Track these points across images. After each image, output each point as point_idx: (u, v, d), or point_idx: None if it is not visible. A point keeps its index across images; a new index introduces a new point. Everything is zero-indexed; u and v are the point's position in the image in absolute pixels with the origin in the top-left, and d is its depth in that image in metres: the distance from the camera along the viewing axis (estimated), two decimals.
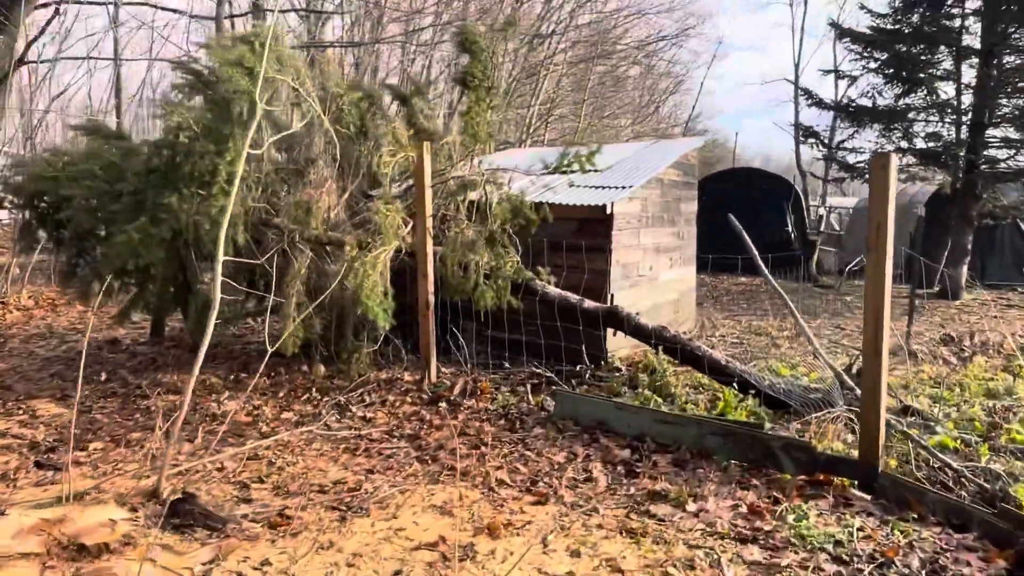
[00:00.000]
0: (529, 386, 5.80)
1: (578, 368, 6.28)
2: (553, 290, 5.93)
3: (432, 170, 6.05)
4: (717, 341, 8.06)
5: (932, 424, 4.72)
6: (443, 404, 5.40)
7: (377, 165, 4.93)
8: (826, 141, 15.73)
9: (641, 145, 9.09)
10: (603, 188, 6.92)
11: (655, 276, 7.59)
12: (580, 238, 6.66)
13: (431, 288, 5.65)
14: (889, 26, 13.24)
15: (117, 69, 15.37)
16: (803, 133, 14.88)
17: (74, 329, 8.28)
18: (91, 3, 12.24)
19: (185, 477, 3.96)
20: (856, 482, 3.86)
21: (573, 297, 5.90)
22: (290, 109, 5.78)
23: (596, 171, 7.48)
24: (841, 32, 13.78)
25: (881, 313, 3.65)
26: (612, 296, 6.66)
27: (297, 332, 5.36)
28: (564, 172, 7.37)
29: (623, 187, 6.84)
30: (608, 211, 6.42)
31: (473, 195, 6.16)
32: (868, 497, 3.72)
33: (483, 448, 4.49)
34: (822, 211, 27.86)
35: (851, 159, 13.86)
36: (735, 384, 5.39)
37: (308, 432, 4.85)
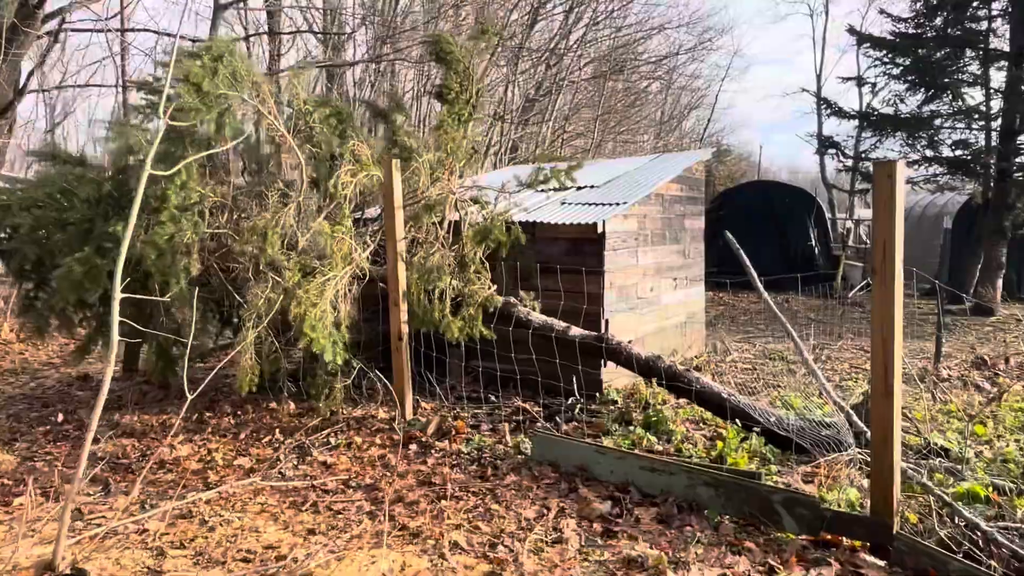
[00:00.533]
0: (511, 424, 5.30)
1: (569, 402, 5.77)
2: (537, 317, 5.44)
3: (408, 190, 5.62)
4: (727, 368, 7.48)
5: (959, 469, 4.13)
6: (414, 446, 4.91)
7: (334, 185, 4.50)
8: (848, 152, 15.08)
9: (643, 159, 8.59)
10: (597, 205, 6.43)
11: (657, 298, 7.05)
12: (572, 259, 6.17)
13: (404, 317, 5.18)
14: (911, 31, 12.63)
15: (124, 94, 15.25)
16: (823, 144, 14.26)
17: (50, 364, 7.95)
18: (89, 31, 12.08)
19: (98, 542, 3.51)
20: (868, 544, 3.29)
21: (558, 324, 5.39)
22: (254, 129, 5.38)
23: (592, 187, 7.01)
24: (861, 38, 13.20)
25: (891, 346, 3.10)
26: (607, 322, 6.14)
27: (261, 367, 4.92)
28: (540, 189, 6.91)
29: (617, 203, 6.34)
30: (599, 230, 5.92)
31: (455, 216, 5.70)
32: (882, 564, 3.15)
33: (446, 501, 3.99)
34: (849, 224, 27.06)
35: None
36: (739, 420, 4.85)
37: (263, 481, 4.39)
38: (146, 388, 6.71)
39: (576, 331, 5.35)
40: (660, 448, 4.82)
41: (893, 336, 3.10)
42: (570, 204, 6.63)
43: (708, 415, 5.28)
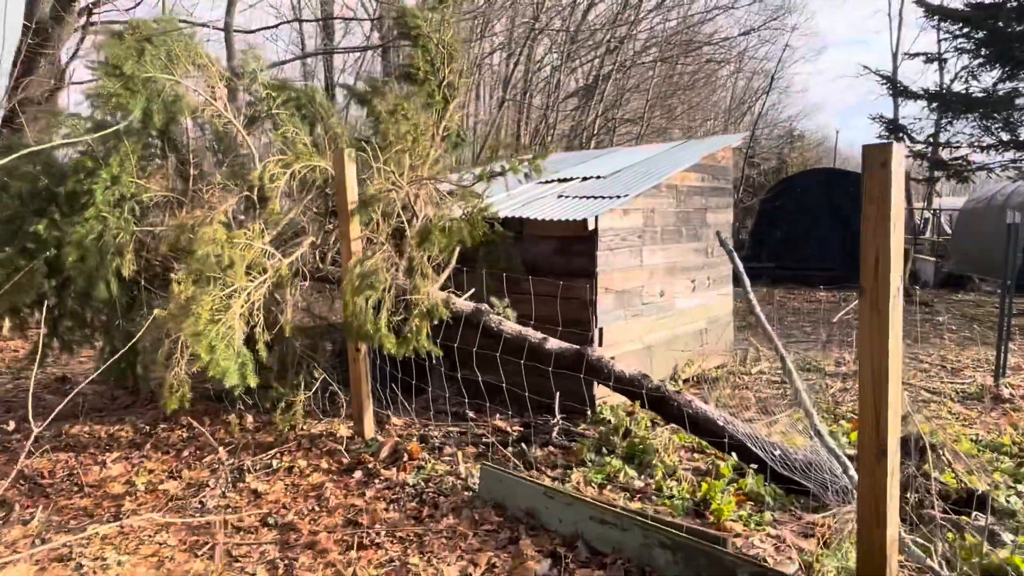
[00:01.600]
0: (480, 448, 4.67)
1: (554, 421, 5.10)
2: (510, 326, 4.78)
3: (388, 184, 5.02)
4: (752, 381, 6.66)
5: (999, 530, 3.29)
6: (359, 473, 4.35)
7: (259, 178, 3.95)
8: (918, 136, 13.76)
9: (664, 147, 7.79)
10: (594, 198, 5.71)
11: (669, 303, 6.29)
12: (561, 260, 5.48)
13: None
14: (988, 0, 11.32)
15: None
16: (889, 128, 13.02)
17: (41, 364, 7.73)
18: (118, 22, 11.95)
19: None
20: None
21: (533, 335, 4.72)
22: (203, 116, 4.88)
23: (598, 178, 6.29)
24: (930, 9, 11.93)
25: (884, 392, 2.34)
26: (600, 331, 5.43)
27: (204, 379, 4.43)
28: (543, 180, 6.24)
29: (614, 197, 5.60)
30: (590, 227, 5.21)
31: (429, 212, 5.09)
32: None
33: (363, 551, 3.40)
34: (928, 214, 25.20)
35: (946, 155, 11.96)
36: (738, 453, 4.12)
37: (169, 517, 3.91)
38: (117, 393, 6.37)
39: (553, 343, 4.67)
40: (639, 484, 4.12)
41: (887, 378, 2.33)
42: (567, 198, 5.93)
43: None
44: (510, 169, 4.91)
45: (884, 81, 12.05)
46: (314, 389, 5.12)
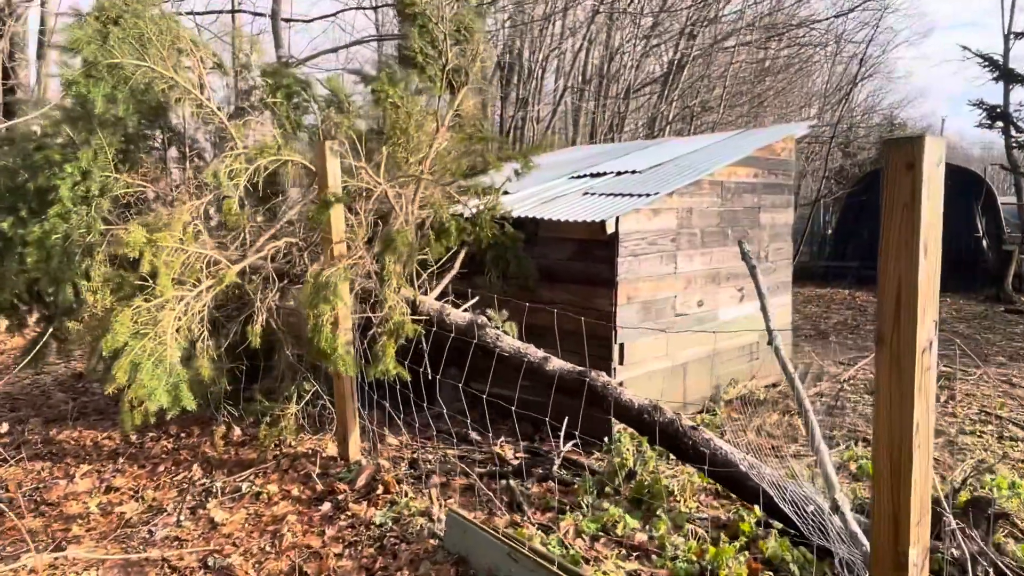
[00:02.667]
0: (468, 479, 4.14)
1: (563, 448, 4.51)
2: (509, 342, 4.21)
3: (353, 185, 4.53)
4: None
5: None
6: (327, 505, 3.89)
7: (213, 175, 3.52)
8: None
9: (717, 137, 7.01)
10: (620, 196, 5.06)
11: (709, 314, 5.57)
12: (580, 265, 4.87)
13: (348, 337, 4.13)
14: None
15: None
16: (989, 116, 11.67)
17: (65, 359, 7.67)
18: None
19: None
20: None
21: (534, 354, 4.14)
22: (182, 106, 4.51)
23: (633, 173, 5.64)
24: None
25: (905, 488, 1.67)
26: (621, 347, 4.79)
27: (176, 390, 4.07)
28: (573, 175, 5.65)
29: (641, 195, 4.94)
30: (610, 229, 4.57)
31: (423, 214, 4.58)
32: None
33: None
34: None
35: None
36: (765, 503, 3.44)
37: (125, 541, 3.56)
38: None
39: (556, 364, 4.07)
40: (641, 538, 3.49)
41: (910, 466, 1.66)
42: (593, 195, 5.30)
43: None
44: (491, 167, 4.33)
45: (987, 64, 10.74)
46: (304, 401, 4.70)
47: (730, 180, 5.65)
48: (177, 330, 3.21)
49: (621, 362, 4.81)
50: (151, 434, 5.10)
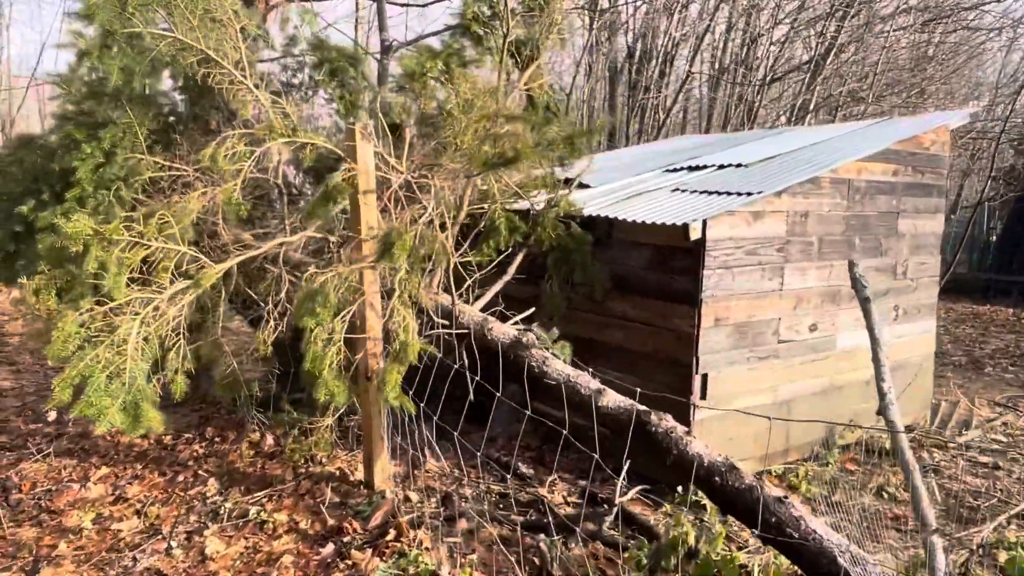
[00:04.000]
0: (500, 528, 3.47)
1: (624, 494, 3.76)
2: (558, 367, 3.48)
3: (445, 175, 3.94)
4: (951, 457, 4.75)
5: None
6: (329, 548, 3.33)
7: (211, 158, 3.01)
8: None
9: (849, 127, 5.90)
10: (717, 195, 4.20)
11: (825, 341, 4.59)
12: (657, 276, 4.07)
13: (376, 348, 3.57)
14: None
15: None
16: None
17: None
18: None
19: None
20: None
21: (586, 384, 3.39)
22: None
23: (739, 167, 4.76)
24: None
25: None
26: (704, 378, 3.95)
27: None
28: (671, 168, 4.86)
29: (741, 194, 4.05)
30: (694, 235, 3.74)
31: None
32: None
33: None
34: None
35: None
36: None
37: (105, 568, 3.17)
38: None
39: (611, 399, 3.31)
40: None
41: None
42: (683, 192, 4.45)
43: None
44: (568, 156, 3.59)
45: None
46: (339, 413, 4.19)
47: (860, 178, 4.61)
48: (145, 339, 2.74)
49: (703, 396, 3.96)
50: (186, 435, 4.78)
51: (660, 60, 16.60)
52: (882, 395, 2.88)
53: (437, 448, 4.25)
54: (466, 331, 3.71)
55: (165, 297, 2.77)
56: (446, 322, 3.75)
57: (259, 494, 3.89)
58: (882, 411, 2.77)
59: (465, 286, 3.91)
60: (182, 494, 3.96)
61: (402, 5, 11.16)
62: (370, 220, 3.52)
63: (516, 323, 3.96)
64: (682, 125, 20.63)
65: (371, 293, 3.46)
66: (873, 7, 17.80)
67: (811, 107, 17.67)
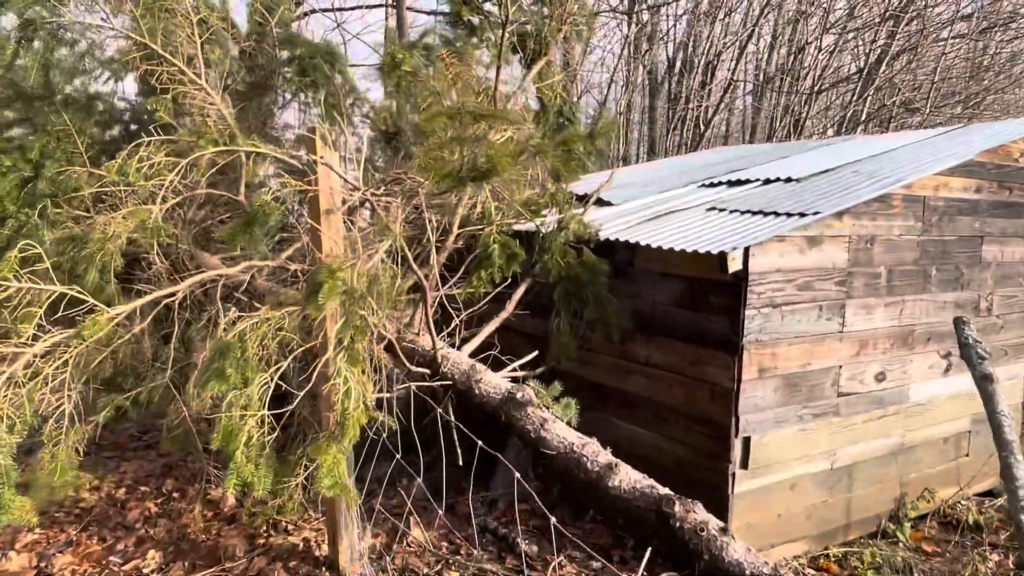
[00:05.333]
0: None
1: None
2: (560, 433, 2.77)
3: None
4: None
5: None
6: None
7: (120, 170, 2.38)
8: None
9: (917, 135, 5.08)
10: (763, 215, 3.45)
11: (895, 392, 3.78)
12: (688, 314, 3.33)
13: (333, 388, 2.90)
14: None
15: None
16: None
17: None
18: None
19: None
20: None
21: (594, 456, 2.67)
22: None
23: (789, 181, 4.02)
24: None
25: None
26: (746, 442, 3.19)
27: None
28: (708, 183, 4.21)
29: (792, 215, 3.30)
30: (734, 267, 3.00)
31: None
32: None
33: None
34: None
35: None
36: None
37: None
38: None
39: (625, 476, 2.57)
40: None
41: None
42: (721, 212, 3.71)
43: None
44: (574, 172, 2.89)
45: None
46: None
47: (937, 196, 3.81)
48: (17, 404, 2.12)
49: (744, 465, 3.20)
50: (143, 487, 4.17)
51: (702, 70, 15.82)
52: (1010, 479, 2.09)
53: (425, 513, 3.58)
54: (451, 382, 3.02)
55: (37, 350, 2.15)
56: (426, 371, 3.07)
57: (200, 574, 3.24)
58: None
59: (452, 325, 3.22)
60: (116, 570, 3.33)
61: (428, 13, 10.59)
62: (334, 248, 2.86)
63: (515, 369, 3.26)
64: (725, 138, 19.72)
65: (329, 327, 2.79)
66: (927, 14, 16.78)
67: (862, 118, 16.70)
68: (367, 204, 2.72)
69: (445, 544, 3.59)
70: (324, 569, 3.25)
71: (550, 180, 3.49)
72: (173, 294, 2.42)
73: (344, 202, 2.62)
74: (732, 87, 14.86)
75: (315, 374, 2.39)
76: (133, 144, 2.48)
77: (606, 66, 16.47)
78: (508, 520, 3.84)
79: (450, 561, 3.39)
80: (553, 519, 2.68)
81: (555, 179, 3.11)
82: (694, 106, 14.97)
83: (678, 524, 2.38)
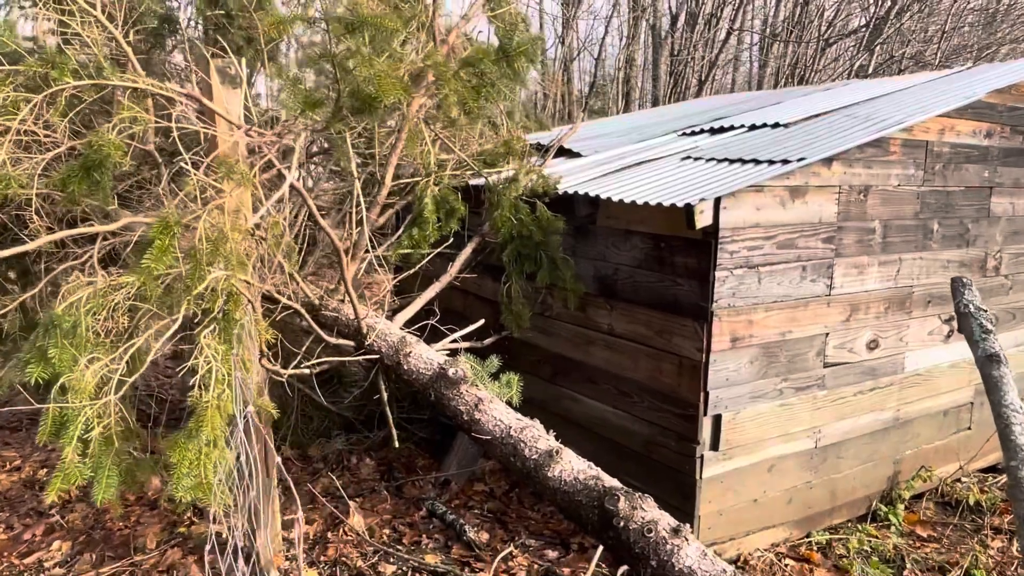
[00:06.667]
0: None
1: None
2: (497, 414, 2.38)
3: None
4: None
5: None
6: None
7: None
8: None
9: (921, 77, 4.61)
10: (741, 163, 3.03)
11: (889, 362, 3.39)
12: (654, 275, 2.93)
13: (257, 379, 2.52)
14: None
15: None
16: None
17: None
18: None
19: None
20: None
21: (532, 439, 2.29)
22: None
23: (777, 127, 3.59)
24: None
25: None
26: (716, 420, 2.82)
27: None
28: (686, 131, 3.83)
29: (774, 162, 2.88)
30: (701, 221, 2.60)
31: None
32: None
33: None
34: None
35: None
36: None
37: None
38: None
39: (568, 467, 2.20)
40: None
41: None
42: (697, 160, 3.28)
43: None
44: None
45: None
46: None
47: (942, 141, 3.37)
48: None
49: (715, 446, 2.83)
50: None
51: (706, 23, 15.17)
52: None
53: (371, 497, 3.25)
54: (377, 355, 2.64)
55: None
56: (350, 343, 2.69)
57: (108, 568, 2.91)
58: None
59: (384, 292, 2.83)
60: (18, 562, 3.01)
61: None
62: (242, 200, 2.46)
63: (455, 341, 2.88)
64: (730, 92, 19.07)
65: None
66: None
67: (870, 71, 16.05)
68: (258, 149, 2.31)
69: (388, 532, 3.25)
70: (243, 562, 2.91)
71: (506, 126, 3.06)
72: (26, 253, 2.03)
73: (253, 151, 2.20)
74: (731, 34, 14.20)
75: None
76: None
77: (603, 18, 15.81)
78: (460, 504, 3.50)
79: (389, 552, 3.06)
80: None
81: (464, 112, 2.66)
82: (694, 57, 14.36)
83: (622, 524, 2.02)
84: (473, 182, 3.36)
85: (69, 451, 1.69)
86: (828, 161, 2.93)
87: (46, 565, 2.97)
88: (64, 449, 1.70)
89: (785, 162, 2.85)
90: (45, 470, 3.81)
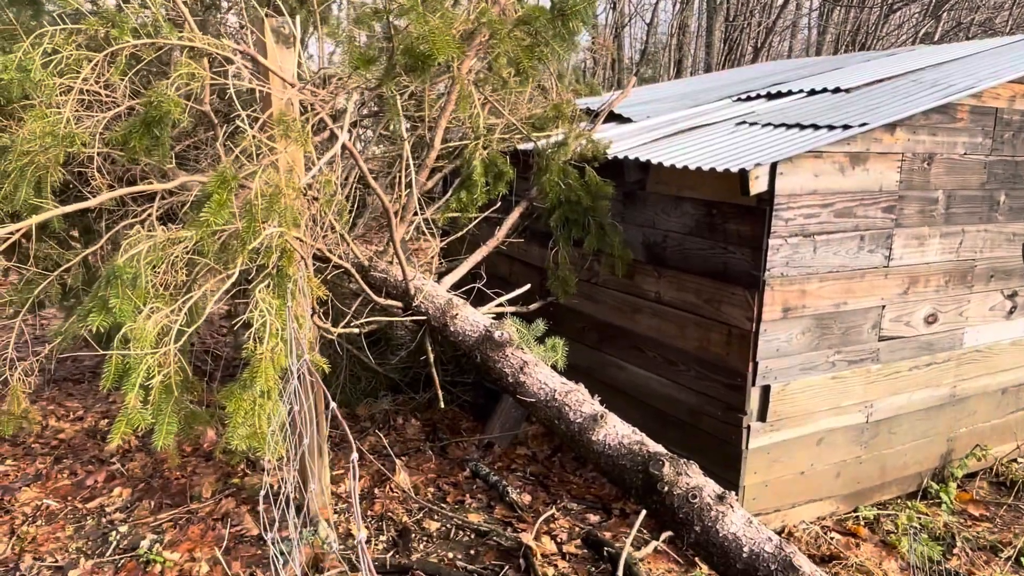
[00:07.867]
0: None
1: (611, 565, 2.69)
2: (542, 377, 2.39)
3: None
4: None
5: None
6: None
7: (17, 63, 2.01)
8: None
9: (992, 43, 4.39)
10: (797, 128, 2.94)
11: (948, 338, 3.30)
12: (705, 243, 2.89)
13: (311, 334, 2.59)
14: None
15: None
16: None
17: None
18: None
19: None
20: None
21: (577, 406, 2.29)
22: None
23: (838, 91, 3.49)
24: None
25: None
26: (765, 391, 2.78)
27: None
28: (745, 96, 3.73)
29: (833, 127, 2.79)
30: (758, 187, 2.54)
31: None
32: None
33: None
34: None
35: None
36: None
37: None
38: None
39: (612, 431, 2.20)
40: None
41: None
42: (752, 126, 3.20)
43: None
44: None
45: None
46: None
47: (1013, 108, 3.22)
48: None
49: (763, 417, 2.80)
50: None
51: None
52: None
53: (417, 456, 3.31)
54: (424, 317, 2.67)
55: None
56: (397, 304, 2.72)
57: (167, 515, 3.03)
58: None
59: (432, 255, 2.85)
60: (81, 506, 3.15)
61: None
62: (294, 159, 2.50)
63: (501, 304, 2.89)
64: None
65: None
66: None
67: (936, 38, 15.39)
68: (311, 107, 2.32)
69: (432, 490, 3.31)
70: (293, 513, 3.00)
71: (555, 90, 3.02)
72: (89, 209, 2.09)
73: (306, 110, 2.22)
74: (797, 5, 13.72)
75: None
76: (35, 35, 2.11)
77: None
78: (503, 466, 3.54)
79: (433, 510, 3.12)
80: None
81: (517, 72, 2.62)
82: (754, 23, 13.95)
83: (666, 489, 2.01)
84: (521, 147, 3.34)
85: (131, 397, 1.76)
86: (891, 127, 2.82)
87: (107, 510, 3.10)
88: (127, 396, 1.77)
89: (846, 127, 2.76)
90: (106, 420, 3.97)
